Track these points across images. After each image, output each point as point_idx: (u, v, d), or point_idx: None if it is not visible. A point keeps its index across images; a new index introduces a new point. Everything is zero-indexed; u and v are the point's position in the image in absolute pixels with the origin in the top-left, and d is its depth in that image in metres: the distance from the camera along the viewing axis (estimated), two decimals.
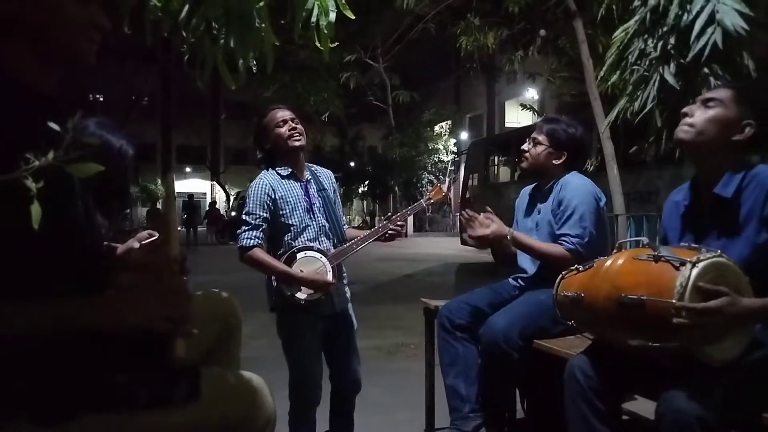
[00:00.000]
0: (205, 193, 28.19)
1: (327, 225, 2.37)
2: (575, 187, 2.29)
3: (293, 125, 2.33)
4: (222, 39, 1.87)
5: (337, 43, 1.99)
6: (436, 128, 23.59)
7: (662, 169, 7.33)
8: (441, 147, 23.33)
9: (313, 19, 1.86)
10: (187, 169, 36.85)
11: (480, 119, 27.63)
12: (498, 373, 2.17)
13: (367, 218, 30.49)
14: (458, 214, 15.35)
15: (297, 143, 2.33)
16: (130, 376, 1.14)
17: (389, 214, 2.46)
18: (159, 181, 33.93)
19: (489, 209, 2.38)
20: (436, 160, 23.47)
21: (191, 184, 36.61)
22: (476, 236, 2.31)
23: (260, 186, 2.32)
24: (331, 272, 2.26)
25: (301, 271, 2.23)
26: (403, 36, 18.52)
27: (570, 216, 2.25)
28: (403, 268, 10.57)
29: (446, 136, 23.60)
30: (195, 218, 20.62)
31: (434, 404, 2.75)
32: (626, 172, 6.78)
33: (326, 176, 2.50)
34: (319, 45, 1.91)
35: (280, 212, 2.31)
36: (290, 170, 2.37)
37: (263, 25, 1.88)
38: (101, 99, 26.86)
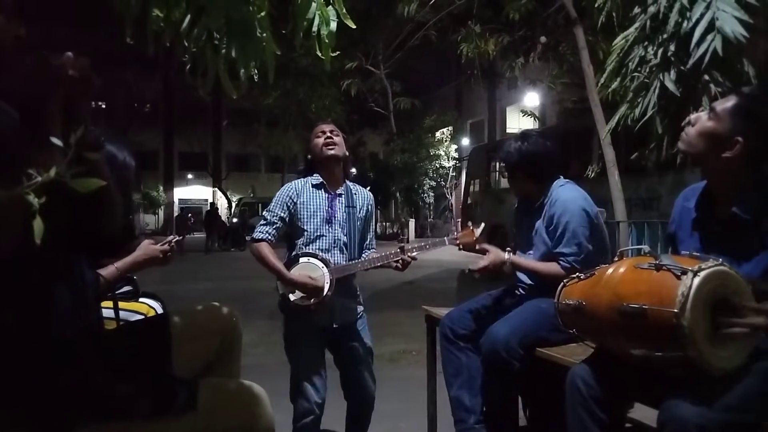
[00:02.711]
0: (206, 200, 28.33)
1: (344, 239, 2.41)
2: (563, 202, 2.29)
3: (329, 135, 2.43)
4: (223, 48, 1.87)
5: (338, 52, 2.00)
6: (438, 134, 23.61)
7: (663, 176, 7.33)
8: (442, 153, 23.34)
9: (315, 28, 1.86)
10: (189, 176, 36.93)
11: (481, 125, 27.66)
12: (499, 382, 2.16)
13: None
14: (459, 219, 15.34)
15: (330, 152, 2.41)
16: (130, 387, 1.14)
17: (402, 245, 2.41)
18: (161, 188, 34.07)
19: (470, 224, 2.43)
20: (438, 166, 23.48)
21: (193, 191, 36.69)
22: (477, 270, 2.33)
23: (286, 188, 2.46)
24: (329, 283, 2.27)
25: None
26: (404, 43, 18.59)
27: (563, 234, 2.25)
28: (404, 274, 10.49)
29: (447, 142, 23.61)
30: (215, 225, 20.78)
31: (436, 413, 2.74)
32: (627, 178, 6.78)
33: (363, 196, 2.54)
34: (320, 54, 1.91)
35: (298, 216, 2.40)
36: (321, 181, 2.44)
37: (264, 34, 1.89)
38: (103, 106, 27.07)
